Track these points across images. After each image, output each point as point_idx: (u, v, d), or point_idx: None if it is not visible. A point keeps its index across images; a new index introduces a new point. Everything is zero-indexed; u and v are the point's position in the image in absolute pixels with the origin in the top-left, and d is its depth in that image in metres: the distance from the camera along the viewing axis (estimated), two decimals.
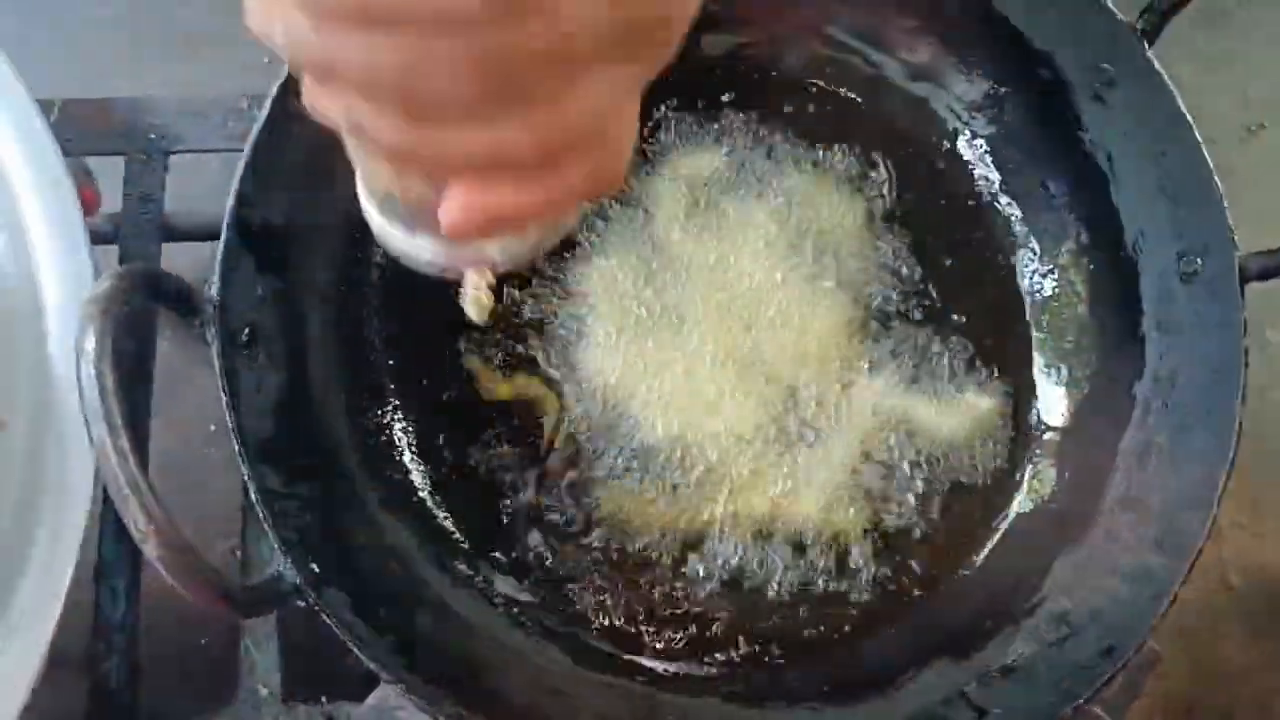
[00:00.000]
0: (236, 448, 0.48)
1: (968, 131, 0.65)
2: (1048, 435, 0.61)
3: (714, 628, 0.56)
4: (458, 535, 0.57)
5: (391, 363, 0.59)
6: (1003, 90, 0.63)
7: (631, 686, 0.55)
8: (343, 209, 0.58)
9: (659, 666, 0.56)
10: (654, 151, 0.63)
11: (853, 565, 0.58)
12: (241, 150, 0.51)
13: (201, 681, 0.69)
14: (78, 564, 0.51)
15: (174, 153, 0.66)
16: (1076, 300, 0.62)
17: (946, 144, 0.65)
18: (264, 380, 0.52)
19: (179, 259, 0.65)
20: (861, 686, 0.55)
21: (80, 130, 0.64)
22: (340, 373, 0.57)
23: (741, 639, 0.56)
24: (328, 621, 0.46)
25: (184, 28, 0.92)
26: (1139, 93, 0.57)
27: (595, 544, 0.57)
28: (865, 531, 0.58)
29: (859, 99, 0.65)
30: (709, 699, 0.55)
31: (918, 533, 0.58)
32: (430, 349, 0.59)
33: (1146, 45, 0.56)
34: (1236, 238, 0.54)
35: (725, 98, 0.64)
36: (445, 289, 0.59)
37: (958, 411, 0.60)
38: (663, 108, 0.64)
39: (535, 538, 0.57)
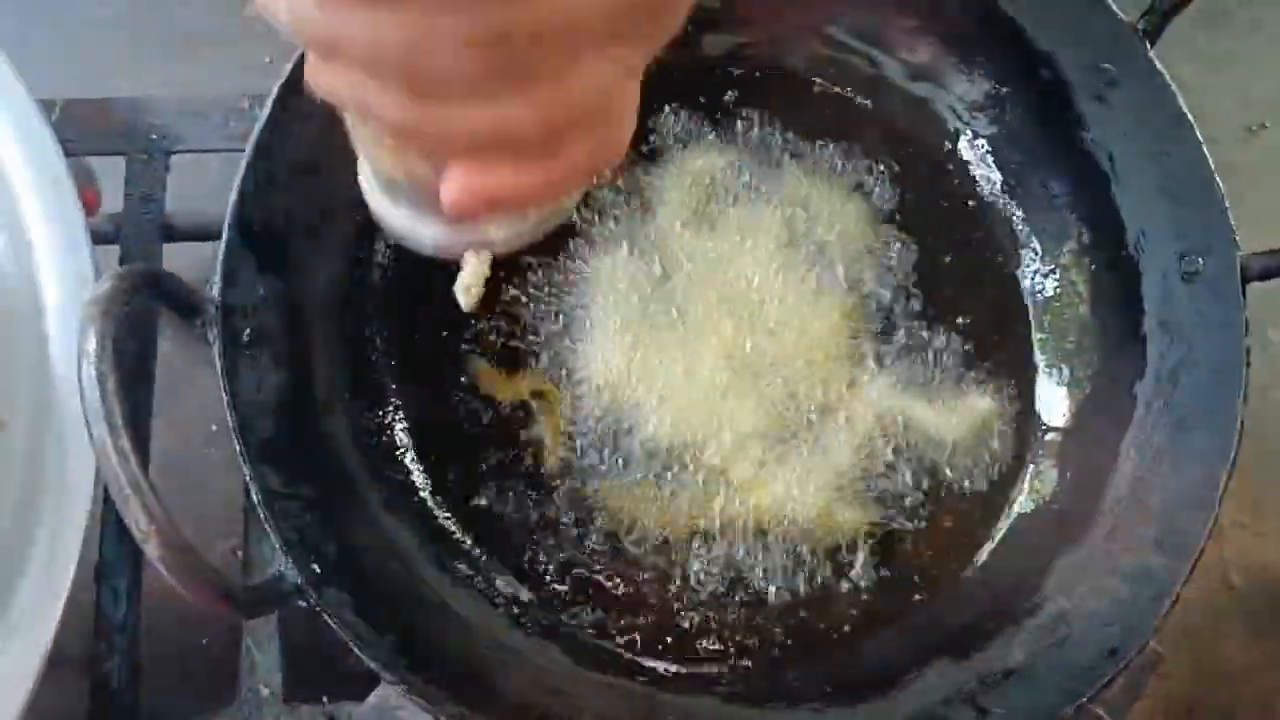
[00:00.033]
0: (238, 448, 0.48)
1: (969, 132, 0.65)
2: (1049, 435, 0.61)
3: (714, 628, 0.56)
4: (459, 535, 0.57)
5: (393, 363, 0.59)
6: (1004, 90, 0.63)
7: (632, 687, 0.55)
8: (344, 209, 0.58)
9: (659, 667, 0.56)
10: (655, 151, 0.63)
11: (853, 565, 0.58)
12: (243, 150, 0.51)
13: (203, 681, 0.69)
14: (79, 564, 0.52)
15: (175, 153, 0.66)
16: (1078, 300, 0.62)
17: (948, 144, 0.65)
18: (265, 380, 0.52)
19: (180, 259, 0.65)
20: (862, 687, 0.55)
21: (81, 130, 0.64)
22: (342, 373, 0.57)
23: (742, 639, 0.56)
24: (329, 622, 0.46)
25: (184, 28, 0.92)
26: (1140, 93, 0.57)
27: (596, 544, 0.57)
28: (866, 532, 0.58)
29: (860, 99, 0.65)
30: (709, 699, 0.55)
31: (918, 533, 0.58)
32: (432, 349, 0.59)
33: (1148, 45, 0.56)
34: (1238, 237, 0.54)
35: (726, 98, 0.64)
36: (447, 289, 0.60)
37: (959, 412, 0.60)
38: (663, 108, 0.64)
39: (536, 538, 0.57)
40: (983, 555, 0.59)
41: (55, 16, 0.91)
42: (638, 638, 0.56)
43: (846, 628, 0.57)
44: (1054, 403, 0.61)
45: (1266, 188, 0.91)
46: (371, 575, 0.52)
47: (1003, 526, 0.59)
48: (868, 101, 0.65)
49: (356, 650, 0.46)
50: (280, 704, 0.56)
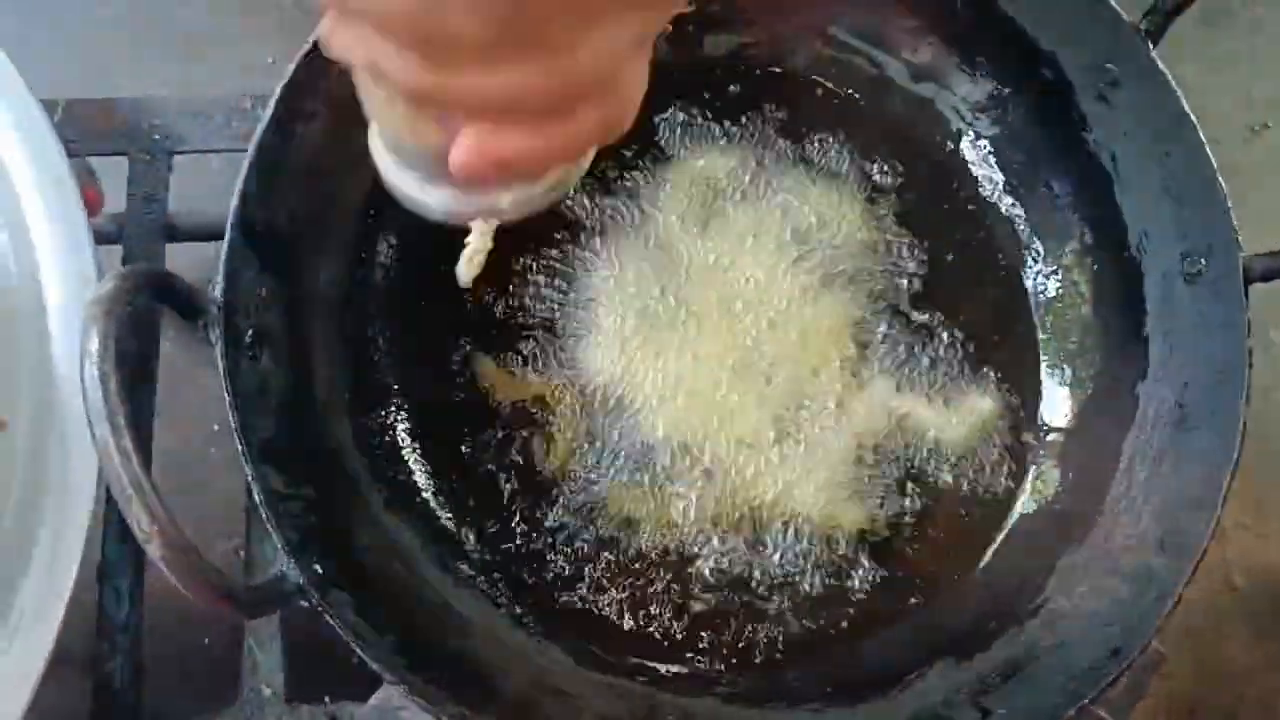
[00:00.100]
0: (240, 448, 0.48)
1: (971, 132, 0.65)
2: (1051, 436, 0.61)
3: (715, 628, 0.56)
4: (460, 536, 0.57)
5: (395, 363, 0.59)
6: (1006, 91, 0.63)
7: (632, 687, 0.55)
8: (346, 209, 0.59)
9: (660, 667, 0.56)
10: (657, 152, 0.63)
11: (854, 566, 0.58)
12: (245, 150, 0.51)
13: (204, 681, 0.69)
14: (81, 564, 0.52)
15: (178, 153, 0.66)
16: (1080, 301, 0.62)
17: (950, 145, 0.65)
18: (267, 381, 0.52)
19: (182, 259, 0.65)
20: (863, 687, 0.55)
21: (84, 130, 0.64)
22: (344, 373, 0.57)
23: (742, 639, 0.56)
24: (331, 622, 0.46)
25: (185, 28, 0.92)
26: (1143, 93, 0.57)
27: (597, 544, 0.57)
28: (867, 532, 0.58)
29: (862, 100, 0.65)
30: (710, 700, 0.55)
31: (920, 533, 0.58)
32: (434, 349, 0.59)
33: (1150, 45, 0.56)
34: (1240, 238, 0.54)
35: (728, 98, 0.64)
36: (448, 290, 0.60)
37: (961, 412, 0.60)
38: (665, 108, 0.64)
39: (538, 538, 0.57)
40: (984, 555, 0.59)
41: (56, 16, 0.91)
42: (639, 638, 0.56)
43: (847, 628, 0.57)
44: (1056, 403, 0.61)
45: (1269, 188, 0.91)
46: (373, 576, 0.52)
47: (1004, 527, 0.59)
48: (870, 102, 0.65)
49: (358, 650, 0.46)
50: (282, 704, 0.56)
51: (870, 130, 0.64)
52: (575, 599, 0.56)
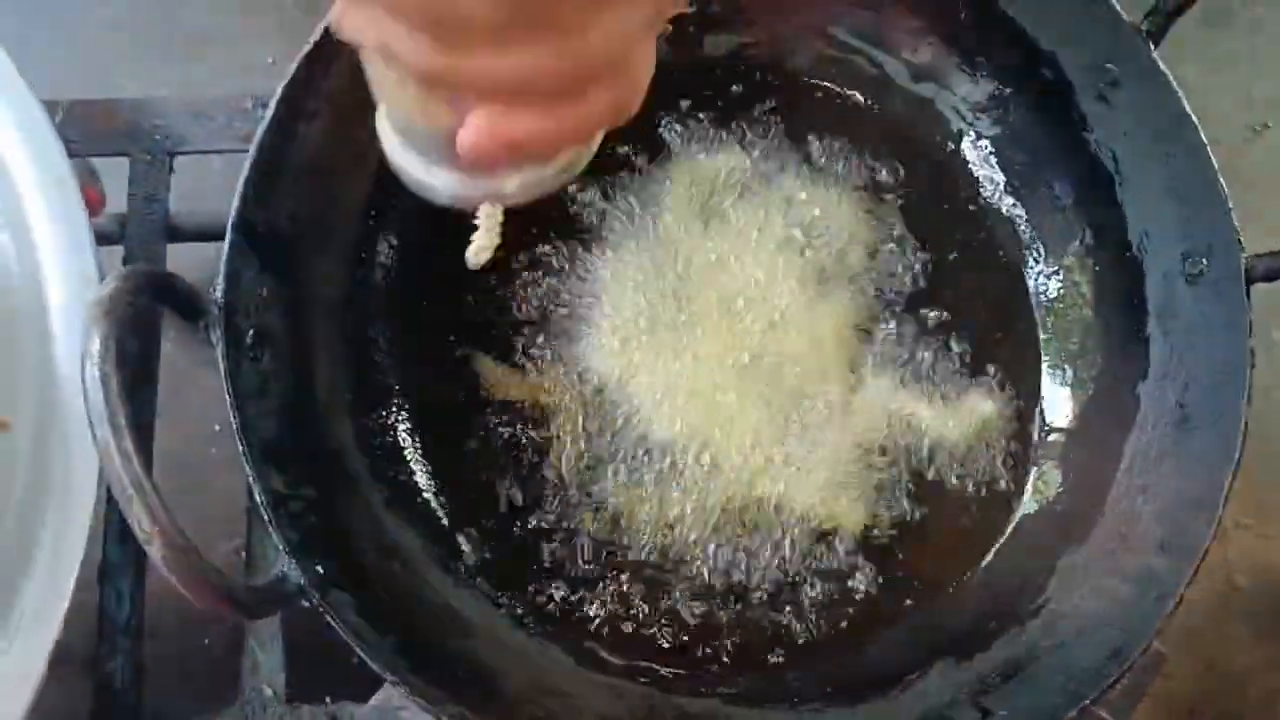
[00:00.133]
0: (241, 449, 0.48)
1: (972, 132, 0.65)
2: (1052, 436, 0.61)
3: (715, 628, 0.56)
4: (461, 536, 0.57)
5: (396, 363, 0.59)
6: (1007, 91, 0.63)
7: (633, 688, 0.55)
8: (347, 210, 0.59)
9: (661, 668, 0.56)
10: (659, 152, 0.63)
11: (855, 566, 0.58)
12: (246, 151, 0.51)
13: (205, 682, 0.69)
14: (82, 565, 0.52)
15: (179, 153, 0.66)
16: (1082, 301, 0.62)
17: (951, 145, 0.65)
18: (268, 381, 0.52)
19: (184, 259, 0.65)
20: (864, 688, 0.55)
21: (85, 131, 0.64)
22: (345, 373, 0.57)
23: (743, 640, 0.56)
24: (331, 623, 0.46)
25: (186, 28, 0.92)
26: (1144, 93, 0.57)
27: (597, 544, 0.57)
28: (868, 533, 0.58)
29: (863, 100, 0.65)
30: (711, 700, 0.55)
31: (922, 535, 0.58)
32: (435, 349, 0.59)
33: (1151, 46, 0.56)
34: (1241, 238, 0.54)
35: (728, 98, 0.64)
36: (449, 289, 0.60)
37: (962, 413, 0.60)
38: (666, 109, 0.64)
39: (538, 539, 0.57)
40: (985, 556, 0.59)
41: (56, 17, 0.91)
42: (640, 639, 0.56)
43: (848, 629, 0.57)
44: (1057, 403, 0.61)
45: (1269, 188, 0.91)
46: (374, 576, 0.52)
47: (1005, 527, 0.59)
48: (870, 102, 0.65)
49: (358, 651, 0.46)
50: (283, 704, 0.56)
51: (871, 131, 0.64)
52: (576, 599, 0.56)
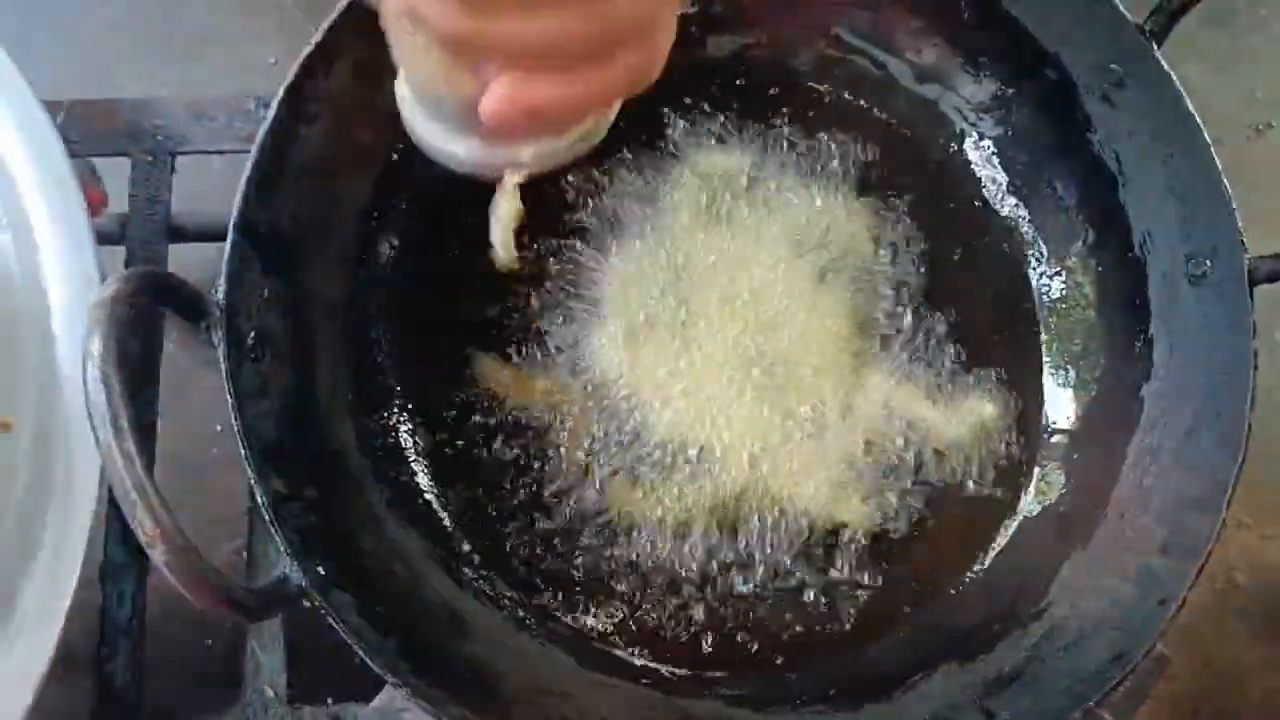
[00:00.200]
0: (242, 450, 0.48)
1: (975, 133, 0.65)
2: (1055, 438, 0.61)
3: (717, 629, 0.56)
4: (463, 537, 0.57)
5: (397, 364, 0.59)
6: (1010, 91, 0.63)
7: (636, 689, 0.55)
8: (349, 210, 0.58)
9: (664, 669, 0.55)
10: (662, 152, 0.63)
11: (857, 567, 0.58)
12: (248, 151, 0.51)
13: (207, 683, 0.69)
14: (83, 565, 0.52)
15: (180, 154, 0.66)
16: (1084, 302, 0.62)
17: (953, 145, 0.65)
18: (270, 382, 0.52)
19: (185, 260, 0.65)
20: (867, 690, 0.55)
21: (86, 131, 0.64)
22: (346, 374, 0.57)
23: (746, 642, 0.56)
24: (333, 624, 0.46)
25: (186, 28, 0.92)
26: (1147, 93, 0.57)
27: (599, 545, 0.57)
28: (870, 534, 0.58)
29: (865, 100, 0.65)
30: (713, 702, 0.55)
31: (923, 536, 0.58)
32: (436, 350, 0.59)
33: (1155, 46, 0.56)
34: (1244, 239, 0.53)
35: (731, 99, 0.64)
36: (450, 290, 0.60)
37: (964, 414, 0.60)
38: (669, 109, 0.64)
39: (541, 540, 0.57)
40: (988, 558, 0.59)
41: (56, 17, 0.91)
42: (642, 640, 0.56)
43: (850, 630, 0.57)
44: (1060, 405, 0.61)
45: (1272, 189, 0.90)
46: (376, 578, 0.52)
47: (1008, 529, 0.59)
48: (873, 103, 0.65)
49: (360, 652, 0.46)
50: (284, 705, 0.56)
51: (873, 131, 0.64)
52: (578, 601, 0.56)
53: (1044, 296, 0.63)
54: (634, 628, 0.56)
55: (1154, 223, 0.58)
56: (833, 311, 0.61)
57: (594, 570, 0.57)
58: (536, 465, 0.58)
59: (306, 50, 0.52)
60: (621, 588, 0.57)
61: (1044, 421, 0.61)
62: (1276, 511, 0.85)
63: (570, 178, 0.62)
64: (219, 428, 0.77)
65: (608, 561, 0.57)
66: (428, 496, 0.58)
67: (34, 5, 0.91)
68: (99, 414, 0.41)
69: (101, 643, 0.57)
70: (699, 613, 0.56)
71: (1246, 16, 0.98)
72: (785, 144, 0.64)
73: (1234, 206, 0.54)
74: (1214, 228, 0.55)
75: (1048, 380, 0.62)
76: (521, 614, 0.56)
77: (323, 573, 0.47)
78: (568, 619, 0.56)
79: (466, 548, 0.57)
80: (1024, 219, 0.64)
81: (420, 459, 0.58)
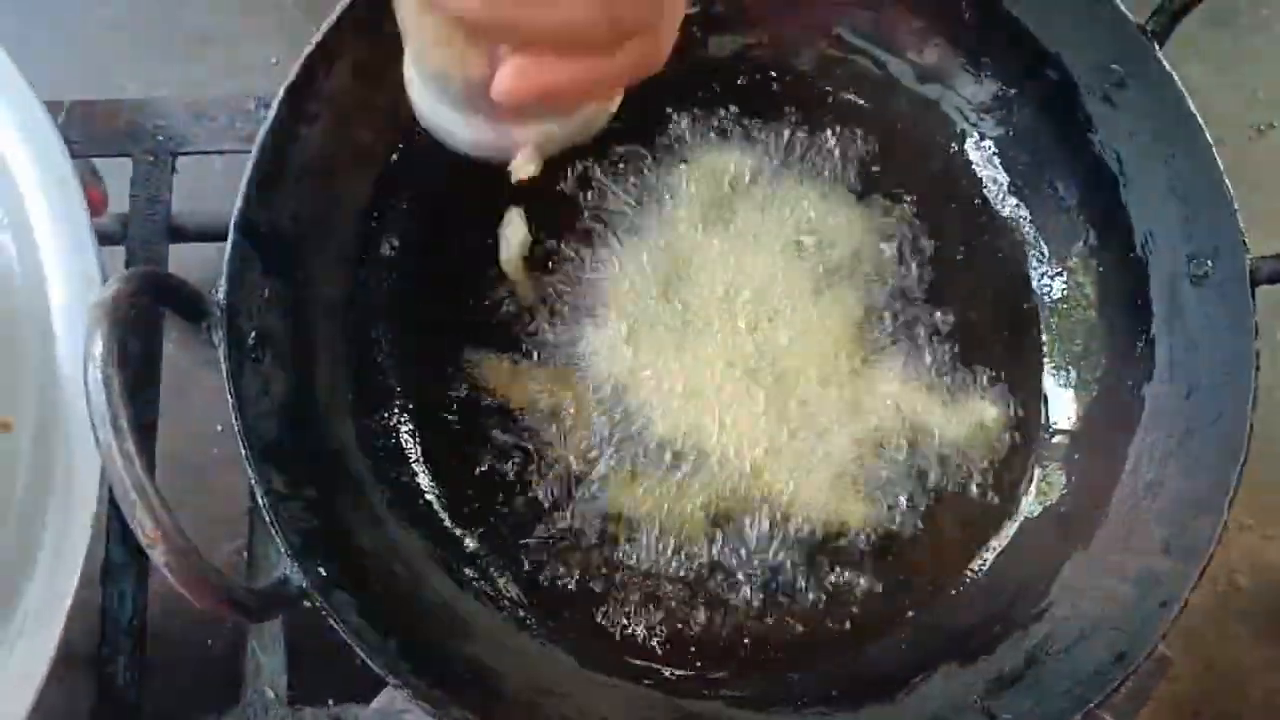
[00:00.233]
0: (243, 450, 0.48)
1: (976, 133, 0.64)
2: (1056, 439, 0.61)
3: (718, 630, 0.56)
4: (464, 538, 0.57)
5: (398, 364, 0.59)
6: (1011, 92, 0.63)
7: (637, 690, 0.55)
8: (349, 210, 0.58)
9: (665, 670, 0.55)
10: (662, 152, 0.63)
11: (858, 568, 0.57)
12: (249, 151, 0.51)
13: (207, 683, 0.69)
14: (84, 565, 0.52)
15: (181, 154, 0.66)
16: (1085, 302, 0.62)
17: (955, 146, 0.65)
18: (270, 382, 0.52)
19: (186, 260, 0.65)
20: (868, 691, 0.55)
21: (87, 131, 0.65)
22: (347, 374, 0.57)
23: (747, 643, 0.56)
24: (334, 625, 0.46)
25: (185, 28, 0.92)
26: (1149, 94, 0.57)
27: (600, 545, 0.57)
28: (871, 535, 0.58)
29: (867, 100, 0.65)
30: (714, 703, 0.55)
31: (924, 536, 0.58)
32: (437, 350, 0.59)
33: (1156, 46, 0.55)
34: (1246, 239, 0.53)
35: (732, 99, 0.64)
36: (451, 290, 0.60)
37: (965, 414, 0.60)
38: (670, 109, 0.63)
39: (541, 540, 0.57)
40: (989, 558, 0.59)
41: (56, 17, 0.91)
42: (643, 641, 0.56)
43: (851, 631, 0.57)
44: (1061, 405, 0.61)
45: (1274, 189, 0.90)
46: (376, 578, 0.52)
47: (1009, 530, 0.59)
48: (874, 103, 0.65)
49: (361, 654, 0.46)
50: (285, 706, 0.56)
51: (875, 131, 0.64)
52: (578, 601, 0.56)
53: (1045, 297, 0.63)
54: (635, 628, 0.56)
55: (1155, 223, 0.58)
56: (833, 312, 0.61)
57: (595, 570, 0.57)
58: (537, 465, 0.58)
59: (307, 50, 0.52)
60: (622, 588, 0.56)
61: (1045, 422, 0.61)
62: (1277, 512, 0.85)
63: (571, 178, 0.62)
64: (219, 428, 0.77)
65: (608, 561, 0.57)
66: (428, 497, 0.58)
67: (34, 5, 0.91)
68: (99, 414, 0.41)
69: (102, 643, 0.57)
70: (700, 613, 0.56)
71: (1248, 17, 0.98)
72: (786, 144, 0.64)
73: (1236, 207, 0.54)
74: (1216, 228, 0.55)
75: (1049, 381, 0.62)
76: (522, 614, 0.56)
77: (323, 573, 0.47)
78: (569, 620, 0.56)
79: (467, 548, 0.57)
80: (1025, 219, 0.64)
81: (421, 459, 0.58)
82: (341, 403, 0.57)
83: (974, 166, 0.65)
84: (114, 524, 0.58)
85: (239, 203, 0.51)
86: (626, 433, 0.58)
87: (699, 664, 0.56)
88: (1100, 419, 0.60)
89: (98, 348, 0.41)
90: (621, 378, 0.59)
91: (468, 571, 0.56)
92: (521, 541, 0.57)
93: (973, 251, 0.63)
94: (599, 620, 0.56)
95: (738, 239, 0.62)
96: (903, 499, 0.59)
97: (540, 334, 0.60)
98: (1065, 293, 0.62)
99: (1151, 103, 0.57)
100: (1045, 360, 0.62)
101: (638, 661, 0.55)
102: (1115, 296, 0.60)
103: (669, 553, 0.57)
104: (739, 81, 0.64)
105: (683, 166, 0.63)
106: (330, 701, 0.56)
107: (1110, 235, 0.60)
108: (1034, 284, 0.63)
